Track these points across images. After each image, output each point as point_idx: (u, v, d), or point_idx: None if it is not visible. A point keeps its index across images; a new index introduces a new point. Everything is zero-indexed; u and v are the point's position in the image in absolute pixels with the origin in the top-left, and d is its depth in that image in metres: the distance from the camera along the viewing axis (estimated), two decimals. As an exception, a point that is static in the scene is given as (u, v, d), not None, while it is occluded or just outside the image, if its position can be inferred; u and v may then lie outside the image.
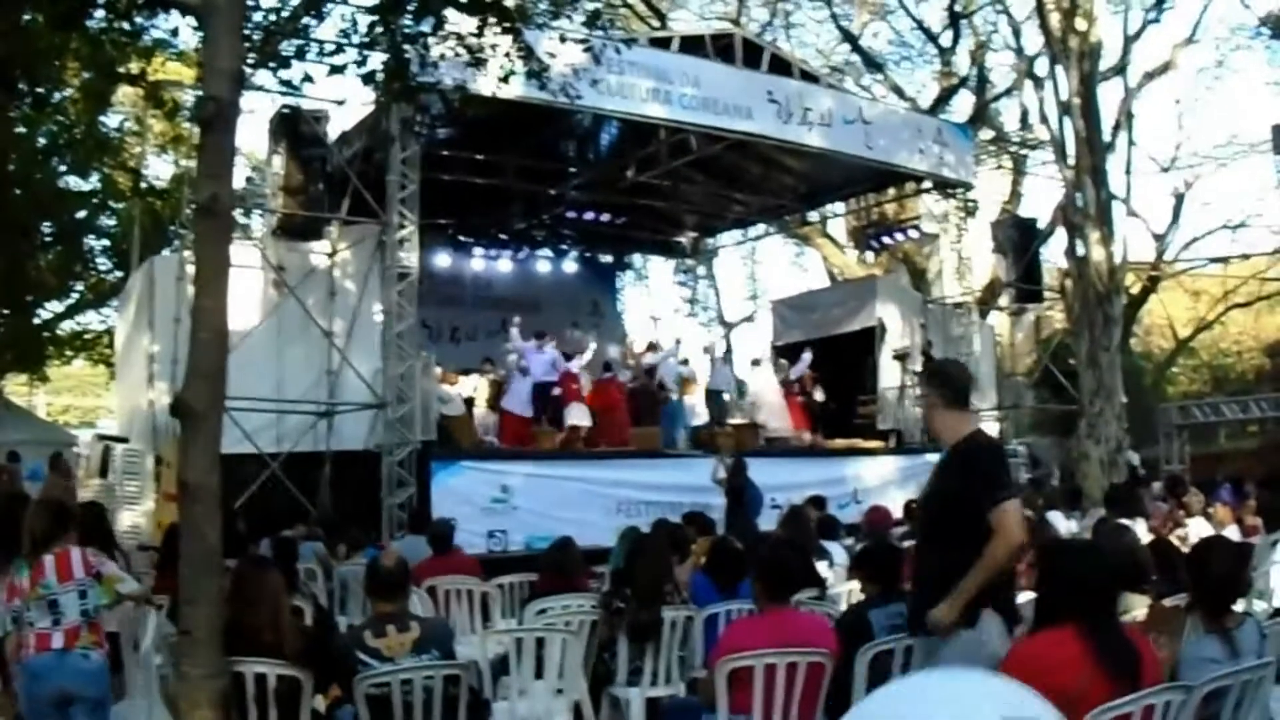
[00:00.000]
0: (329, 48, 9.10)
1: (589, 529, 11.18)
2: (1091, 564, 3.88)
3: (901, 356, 19.30)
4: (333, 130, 13.89)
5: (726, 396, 17.74)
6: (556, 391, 15.48)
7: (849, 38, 29.00)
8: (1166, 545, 6.80)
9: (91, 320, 26.86)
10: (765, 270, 51.21)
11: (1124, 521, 8.41)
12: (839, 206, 22.38)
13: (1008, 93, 28.56)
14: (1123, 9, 22.92)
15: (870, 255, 26.26)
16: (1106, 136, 19.04)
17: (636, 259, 27.11)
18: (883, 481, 16.34)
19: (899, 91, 28.39)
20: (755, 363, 19.24)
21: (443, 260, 20.82)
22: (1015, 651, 3.94)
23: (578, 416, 15.05)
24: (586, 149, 19.18)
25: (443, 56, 9.11)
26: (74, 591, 5.31)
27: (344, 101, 13.70)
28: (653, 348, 18.09)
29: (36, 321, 24.51)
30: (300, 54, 9.17)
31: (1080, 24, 17.71)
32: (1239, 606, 4.51)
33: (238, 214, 14.63)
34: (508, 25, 8.98)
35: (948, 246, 19.33)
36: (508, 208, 20.22)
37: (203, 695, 4.57)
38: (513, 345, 15.64)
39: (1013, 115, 28.12)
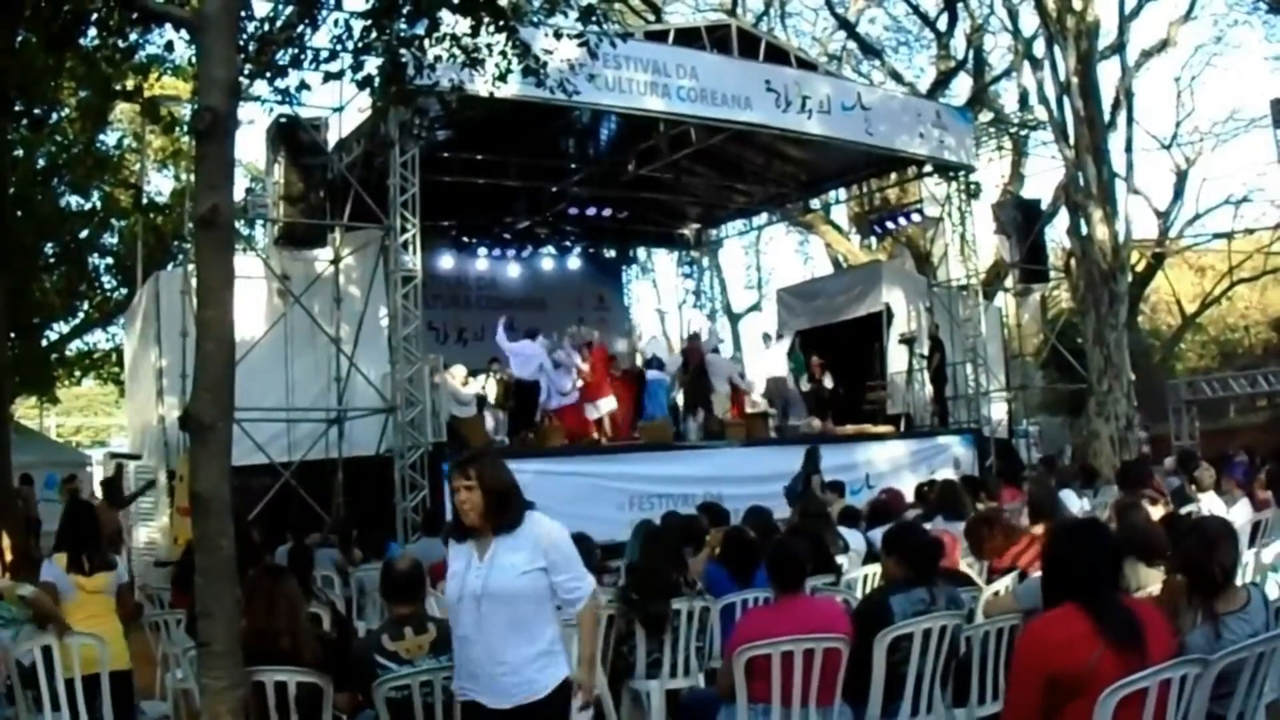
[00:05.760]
0: (324, 55, 9.13)
1: (602, 524, 11.12)
2: (1084, 543, 3.80)
3: (909, 340, 19.31)
4: (331, 137, 13.91)
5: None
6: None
7: (845, 24, 28.94)
8: (1178, 521, 6.79)
9: (99, 339, 26.84)
10: (770, 259, 51.26)
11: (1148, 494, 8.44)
12: (841, 193, 22.40)
13: (1006, 74, 28.47)
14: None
15: (874, 240, 26.23)
16: (1106, 115, 18.97)
17: (640, 253, 27.10)
18: (894, 466, 16.35)
19: (897, 76, 28.33)
20: (765, 337, 19.38)
21: (446, 262, 20.90)
22: (1024, 635, 3.93)
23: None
24: (586, 145, 19.19)
25: (438, 58, 9.10)
26: None
27: (341, 108, 13.73)
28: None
29: (44, 343, 24.51)
30: (296, 62, 9.20)
31: (1077, 3, 17.66)
32: (1240, 580, 4.48)
33: (240, 225, 14.63)
34: (503, 24, 8.99)
35: (951, 229, 19.32)
36: (509, 207, 20.27)
37: (223, 706, 4.58)
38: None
39: (1012, 97, 28.05)
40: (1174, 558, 4.66)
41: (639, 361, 17.59)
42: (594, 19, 9.62)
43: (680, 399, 17.79)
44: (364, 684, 4.75)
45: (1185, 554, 4.31)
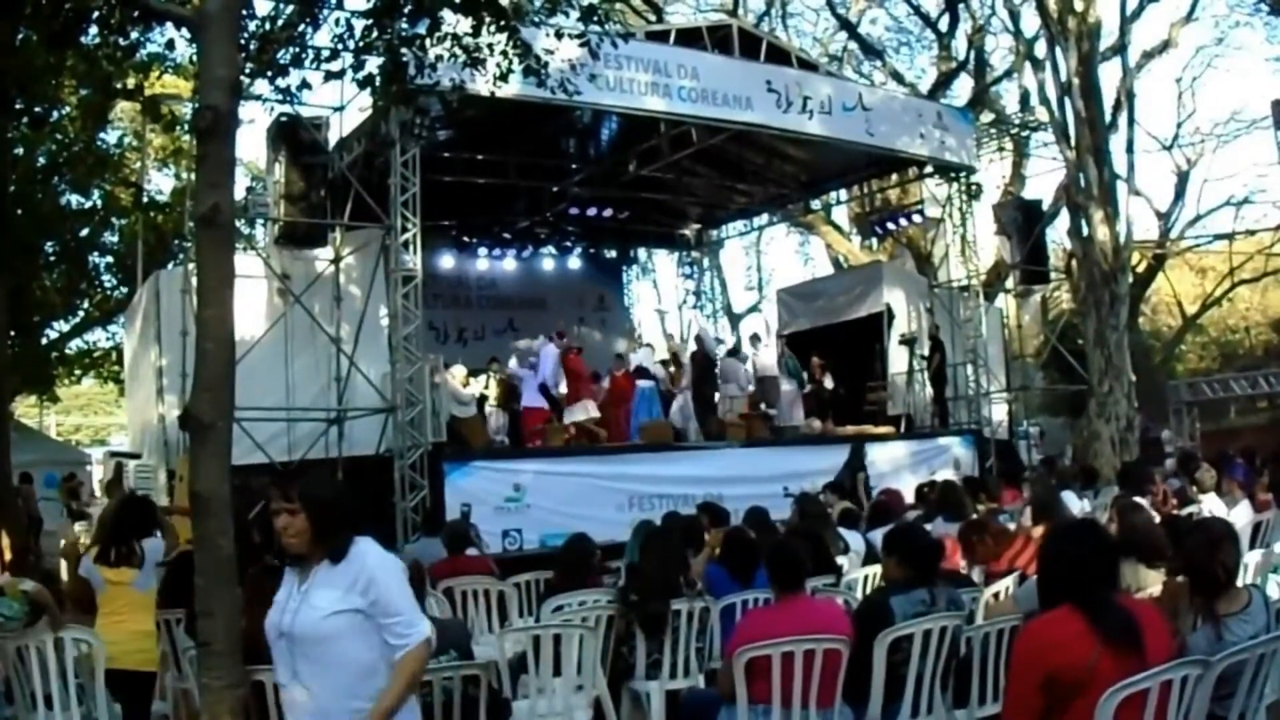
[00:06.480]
0: (325, 54, 9.12)
1: (602, 524, 11.15)
2: (1080, 544, 3.78)
3: (909, 341, 19.29)
4: (332, 136, 13.89)
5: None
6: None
7: (846, 25, 28.96)
8: (1177, 522, 6.78)
9: (99, 338, 26.87)
10: (770, 259, 51.24)
11: (1138, 499, 8.43)
12: (841, 193, 22.39)
13: (1007, 75, 28.52)
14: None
15: (874, 241, 26.25)
16: (1107, 116, 18.98)
17: (641, 253, 27.10)
18: (894, 466, 16.30)
19: (898, 77, 28.36)
20: (755, 338, 19.33)
21: (447, 262, 20.91)
22: (1022, 636, 3.93)
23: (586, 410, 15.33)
24: (587, 145, 19.18)
25: (440, 58, 9.09)
26: None
27: (342, 107, 13.72)
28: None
29: (44, 342, 24.50)
30: (297, 61, 9.20)
31: (1078, 4, 17.68)
32: (1244, 581, 4.48)
33: (240, 224, 14.60)
34: (504, 24, 8.98)
35: (951, 230, 19.32)
36: (510, 207, 20.26)
37: (223, 706, 4.58)
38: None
39: (1013, 98, 28.10)
40: (1176, 558, 4.66)
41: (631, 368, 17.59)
42: (595, 19, 9.61)
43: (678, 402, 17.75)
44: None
45: (1187, 554, 4.31)
